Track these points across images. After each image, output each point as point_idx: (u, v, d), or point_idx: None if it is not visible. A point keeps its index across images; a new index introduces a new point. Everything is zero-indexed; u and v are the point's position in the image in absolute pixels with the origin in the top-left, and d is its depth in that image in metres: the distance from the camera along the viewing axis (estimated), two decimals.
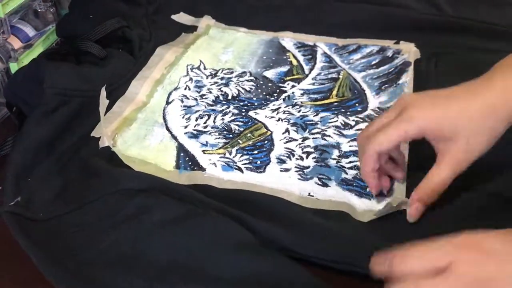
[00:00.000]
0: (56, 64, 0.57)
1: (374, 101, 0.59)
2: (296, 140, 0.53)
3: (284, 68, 0.65)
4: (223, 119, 0.56)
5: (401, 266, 0.35)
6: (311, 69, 0.64)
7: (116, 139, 0.53)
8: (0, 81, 0.61)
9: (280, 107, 0.58)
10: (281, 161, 0.51)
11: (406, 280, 0.34)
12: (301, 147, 0.52)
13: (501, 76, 0.42)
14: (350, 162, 0.50)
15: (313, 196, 0.47)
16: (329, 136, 0.54)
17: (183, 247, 0.41)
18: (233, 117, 0.56)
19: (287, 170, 0.50)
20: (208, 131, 0.55)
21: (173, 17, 0.74)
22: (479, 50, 0.65)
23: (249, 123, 0.56)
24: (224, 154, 0.52)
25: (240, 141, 0.53)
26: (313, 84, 0.62)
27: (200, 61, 0.66)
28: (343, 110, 0.57)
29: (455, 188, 0.47)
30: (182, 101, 0.59)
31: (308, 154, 0.52)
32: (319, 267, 0.42)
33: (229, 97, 0.60)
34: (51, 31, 0.68)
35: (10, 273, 0.42)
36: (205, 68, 0.65)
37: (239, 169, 0.50)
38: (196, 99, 0.59)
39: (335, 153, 0.52)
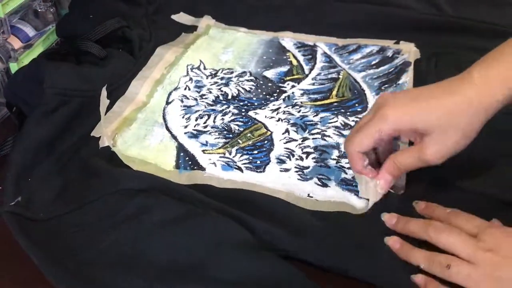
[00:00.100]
0: (56, 64, 0.57)
1: (374, 101, 0.59)
2: (296, 140, 0.53)
3: (284, 68, 0.65)
4: (223, 119, 0.56)
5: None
6: (311, 69, 0.64)
7: (116, 139, 0.53)
8: (0, 81, 0.61)
9: (280, 107, 0.58)
10: (281, 161, 0.51)
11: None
12: (301, 147, 0.52)
13: (478, 73, 0.42)
14: None
15: (312, 197, 0.47)
16: (328, 136, 0.54)
17: (183, 247, 0.41)
18: (233, 117, 0.57)
19: (286, 170, 0.50)
20: (208, 130, 0.55)
21: (173, 17, 0.74)
22: (479, 50, 0.65)
23: (249, 123, 0.56)
24: (224, 154, 0.52)
25: (240, 141, 0.53)
26: (313, 84, 0.62)
27: (200, 61, 0.66)
28: (343, 110, 0.57)
29: (455, 188, 0.47)
30: (182, 101, 0.59)
31: (308, 154, 0.52)
32: (319, 268, 0.42)
33: (229, 97, 0.60)
34: (51, 31, 0.68)
35: (10, 273, 0.42)
36: (205, 68, 0.65)
37: (239, 168, 0.50)
38: (196, 99, 0.59)
39: (335, 153, 0.52)
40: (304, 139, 0.53)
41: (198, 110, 0.58)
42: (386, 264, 0.41)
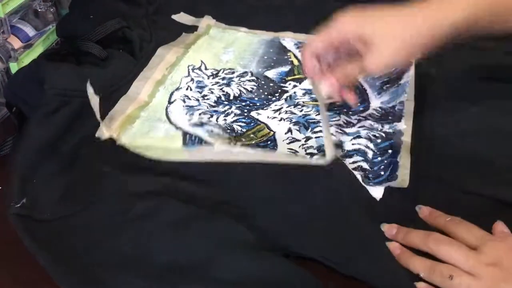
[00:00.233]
0: (56, 65, 0.57)
1: (375, 100, 0.59)
2: (299, 140, 0.53)
3: (285, 68, 0.65)
4: (225, 119, 0.56)
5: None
6: None
7: (120, 135, 0.53)
8: (0, 81, 0.60)
9: (282, 107, 0.58)
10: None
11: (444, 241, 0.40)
12: (304, 148, 0.52)
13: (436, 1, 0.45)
14: (353, 162, 0.51)
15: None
16: (331, 134, 0.54)
17: (185, 248, 0.41)
18: (235, 118, 0.56)
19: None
20: (212, 125, 0.55)
21: (174, 17, 0.74)
22: (479, 50, 0.66)
23: (252, 123, 0.56)
24: (229, 143, 0.52)
25: (244, 139, 0.53)
26: None
27: (201, 61, 0.65)
28: (345, 110, 0.57)
29: (456, 189, 0.47)
30: (184, 101, 0.59)
31: (311, 155, 0.51)
32: (321, 267, 0.42)
33: (231, 97, 0.60)
34: (51, 31, 0.67)
35: (11, 273, 0.42)
36: (206, 68, 0.64)
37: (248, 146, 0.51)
38: (198, 100, 0.59)
39: (338, 153, 0.52)
40: (307, 138, 0.53)
41: (200, 109, 0.57)
42: (387, 265, 0.41)
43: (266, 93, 0.60)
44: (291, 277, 0.40)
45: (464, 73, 0.61)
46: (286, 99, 0.59)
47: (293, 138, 0.54)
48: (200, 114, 0.56)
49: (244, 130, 0.55)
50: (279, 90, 0.61)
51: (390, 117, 0.56)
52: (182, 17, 0.74)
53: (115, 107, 0.56)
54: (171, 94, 0.60)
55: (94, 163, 0.49)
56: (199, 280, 0.39)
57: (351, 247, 0.42)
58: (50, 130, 0.51)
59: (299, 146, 0.53)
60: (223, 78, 0.63)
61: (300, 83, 0.62)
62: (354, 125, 0.55)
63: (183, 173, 0.48)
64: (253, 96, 0.60)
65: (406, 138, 0.53)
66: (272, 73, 0.64)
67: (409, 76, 0.61)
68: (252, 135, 0.54)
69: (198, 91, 0.60)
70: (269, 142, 0.53)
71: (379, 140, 0.53)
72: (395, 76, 0.62)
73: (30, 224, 0.43)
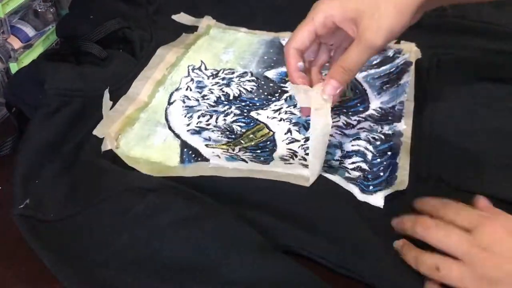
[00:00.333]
0: (56, 65, 0.57)
1: (375, 101, 0.59)
2: (298, 141, 0.53)
3: (285, 68, 0.64)
4: (225, 119, 0.56)
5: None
6: None
7: (119, 140, 0.53)
8: (0, 81, 0.60)
9: (282, 108, 0.58)
10: (284, 160, 0.51)
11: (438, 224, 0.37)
12: (303, 148, 0.52)
13: None
14: (353, 163, 0.51)
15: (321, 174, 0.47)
16: (331, 135, 0.54)
17: (194, 248, 0.41)
18: (235, 118, 0.56)
19: (291, 164, 0.50)
20: (211, 128, 0.55)
21: (174, 17, 0.74)
22: (479, 50, 0.66)
23: (251, 124, 0.56)
24: (227, 149, 0.52)
25: (243, 141, 0.53)
26: None
27: (201, 61, 0.65)
28: (344, 110, 0.57)
29: (455, 189, 0.47)
30: (183, 101, 0.59)
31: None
32: (321, 267, 0.42)
33: (231, 97, 0.60)
34: (51, 31, 0.67)
35: (13, 271, 0.42)
36: (206, 69, 0.64)
37: (243, 160, 0.50)
38: (197, 100, 0.59)
39: (338, 153, 0.52)
40: (307, 139, 0.53)
41: (200, 110, 0.57)
42: (388, 266, 0.41)
43: (266, 93, 0.60)
44: (302, 278, 0.39)
45: (464, 73, 0.61)
46: (286, 99, 0.59)
47: (292, 138, 0.54)
48: (199, 117, 0.56)
49: (244, 130, 0.55)
50: (279, 90, 0.61)
51: (390, 118, 0.56)
52: (182, 17, 0.74)
53: (115, 107, 0.56)
54: (171, 94, 0.60)
55: (96, 163, 0.49)
56: (210, 281, 0.39)
57: (351, 247, 0.42)
58: (51, 130, 0.51)
59: (299, 147, 0.53)
60: (223, 78, 0.63)
61: None
62: (353, 126, 0.55)
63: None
64: (253, 96, 0.60)
65: (406, 139, 0.52)
66: (272, 73, 0.64)
67: (409, 76, 0.61)
68: (251, 136, 0.54)
69: (198, 91, 0.60)
70: (268, 143, 0.53)
71: (378, 142, 0.53)
72: (395, 76, 0.62)
73: (34, 225, 0.43)
